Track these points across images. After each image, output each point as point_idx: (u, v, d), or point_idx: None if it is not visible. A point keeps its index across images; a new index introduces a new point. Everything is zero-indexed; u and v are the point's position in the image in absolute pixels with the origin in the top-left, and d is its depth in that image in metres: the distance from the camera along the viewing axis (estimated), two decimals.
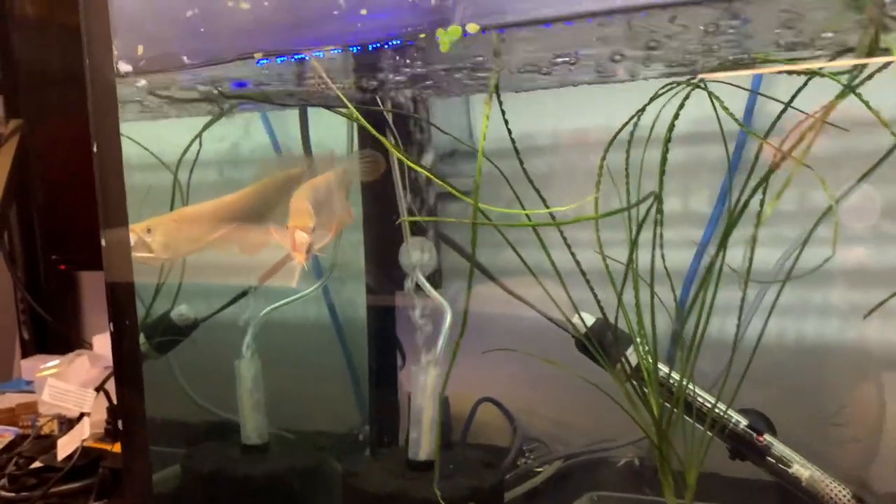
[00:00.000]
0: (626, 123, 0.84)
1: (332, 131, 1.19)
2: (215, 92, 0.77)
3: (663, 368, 0.88)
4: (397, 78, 0.85)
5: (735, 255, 0.81)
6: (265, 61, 0.83)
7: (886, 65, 0.69)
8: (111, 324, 0.70)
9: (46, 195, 1.66)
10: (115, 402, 1.16)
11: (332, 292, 1.31)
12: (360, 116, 0.64)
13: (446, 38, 0.57)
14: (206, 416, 1.17)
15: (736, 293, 0.89)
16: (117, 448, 1.11)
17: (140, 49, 0.67)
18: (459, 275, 1.18)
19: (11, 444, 1.29)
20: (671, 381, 0.88)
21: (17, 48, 1.64)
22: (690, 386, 0.87)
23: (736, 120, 0.78)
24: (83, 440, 1.11)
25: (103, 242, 0.69)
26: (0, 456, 1.23)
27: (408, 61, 0.81)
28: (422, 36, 0.63)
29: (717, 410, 0.87)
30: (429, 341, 0.91)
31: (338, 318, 1.32)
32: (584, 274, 0.85)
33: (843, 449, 1.10)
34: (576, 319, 0.90)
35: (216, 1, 0.66)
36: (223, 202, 0.83)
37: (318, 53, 0.81)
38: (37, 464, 1.12)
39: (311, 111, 1.18)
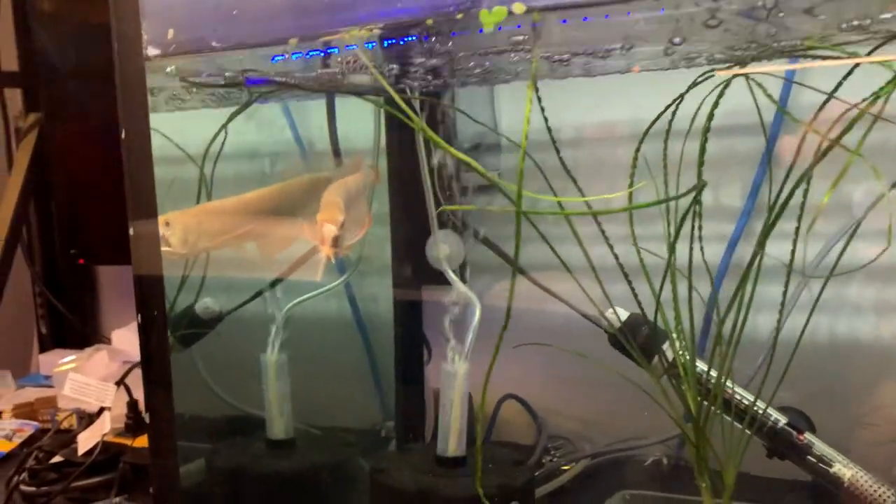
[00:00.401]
0: (665, 111, 0.81)
1: (358, 123, 1.17)
2: (240, 79, 0.75)
3: (701, 364, 0.85)
4: (431, 62, 0.83)
5: (770, 249, 0.78)
6: (298, 55, 0.82)
7: None
8: (139, 316, 0.68)
9: (65, 190, 1.65)
10: (135, 397, 1.15)
11: (353, 287, 1.29)
12: (399, 99, 0.62)
13: (490, 19, 0.55)
14: (231, 410, 1.16)
15: (768, 289, 0.87)
16: (138, 443, 1.10)
17: (171, 33, 0.65)
18: (486, 269, 1.16)
19: (31, 438, 1.28)
20: (707, 377, 0.86)
21: (36, 42, 1.63)
22: (728, 383, 0.85)
23: (781, 109, 0.76)
24: (103, 435, 1.10)
25: (131, 232, 0.67)
26: (20, 450, 1.23)
27: (439, 47, 0.79)
28: (458, 16, 0.61)
29: (755, 408, 0.84)
30: (458, 336, 0.89)
31: (360, 312, 1.30)
32: (622, 267, 0.83)
33: (878, 450, 1.07)
34: (609, 314, 0.88)
35: None
36: (246, 199, 0.81)
37: (351, 46, 0.80)
38: (57, 458, 1.11)
39: (335, 103, 1.16)
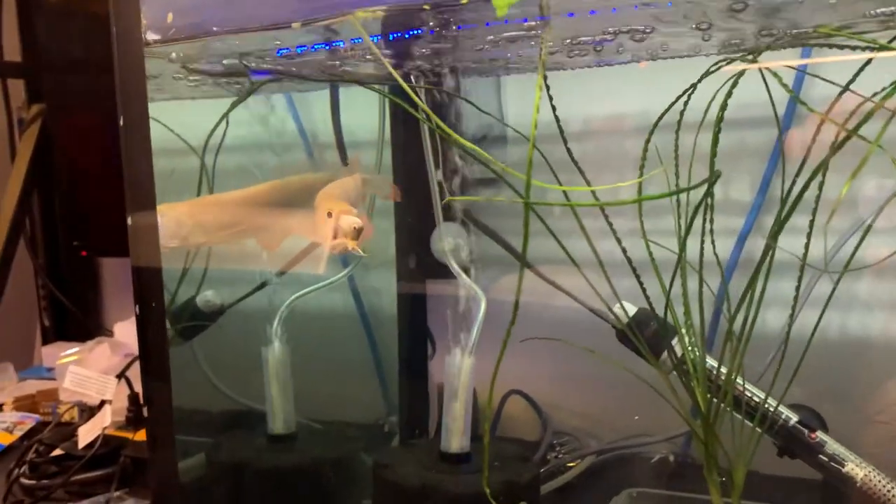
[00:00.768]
0: (677, 100, 0.79)
1: (362, 114, 1.16)
2: (245, 66, 0.73)
3: (711, 361, 0.84)
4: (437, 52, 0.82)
5: (782, 244, 0.77)
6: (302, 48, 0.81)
7: None
8: (137, 308, 0.67)
9: (68, 181, 1.64)
10: (136, 390, 1.14)
11: (358, 280, 1.28)
12: (407, 87, 0.60)
13: (503, 1, 0.53)
14: (233, 405, 1.15)
15: (779, 284, 0.85)
16: (139, 436, 1.09)
17: (170, 17, 0.64)
18: (491, 262, 1.14)
19: (32, 431, 1.27)
20: (716, 374, 0.84)
21: (40, 33, 1.62)
22: (738, 380, 0.83)
23: (797, 99, 0.73)
24: (104, 428, 1.09)
25: (129, 222, 0.66)
26: (21, 443, 1.22)
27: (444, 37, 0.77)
28: (464, 1, 0.59)
29: (766, 406, 0.83)
30: (462, 331, 0.88)
31: (363, 306, 1.29)
32: (630, 262, 0.81)
33: (890, 447, 1.06)
34: (617, 309, 0.86)
35: None
36: (242, 195, 0.79)
37: (356, 40, 0.78)
38: (57, 451, 1.10)
39: (340, 94, 1.15)
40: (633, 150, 0.81)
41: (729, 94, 0.76)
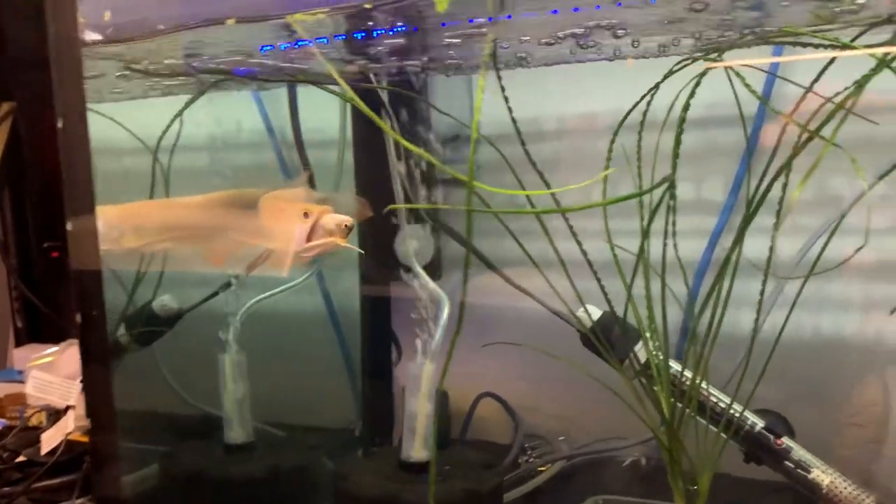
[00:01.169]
0: (639, 102, 0.78)
1: (327, 113, 1.14)
2: (192, 67, 0.71)
3: (674, 365, 0.82)
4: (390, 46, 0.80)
5: (751, 246, 0.75)
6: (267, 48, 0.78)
7: None
8: (78, 315, 0.65)
9: (39, 181, 1.61)
10: None
11: (327, 282, 1.26)
12: (347, 86, 0.58)
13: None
14: (196, 411, 1.12)
15: (750, 285, 0.83)
16: None
17: (107, 15, 0.62)
18: (461, 265, 1.12)
19: None
20: (682, 378, 0.82)
21: (8, 31, 1.59)
22: (703, 384, 0.81)
23: (759, 97, 0.72)
24: (67, 434, 1.07)
25: (69, 226, 0.64)
26: None
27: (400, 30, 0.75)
28: None
29: (731, 411, 0.81)
30: (425, 334, 0.86)
31: (334, 308, 1.27)
32: (590, 264, 0.79)
33: (863, 450, 1.05)
34: (581, 313, 0.84)
35: None
36: (184, 201, 0.77)
37: (320, 39, 0.76)
38: (22, 457, 1.08)
39: (304, 91, 1.12)
40: (606, 149, 0.79)
41: (692, 94, 0.74)
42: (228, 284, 0.97)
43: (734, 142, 1.07)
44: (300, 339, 1.30)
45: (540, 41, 0.76)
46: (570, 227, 0.79)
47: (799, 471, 0.80)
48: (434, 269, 1.12)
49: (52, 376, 1.16)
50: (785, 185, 0.75)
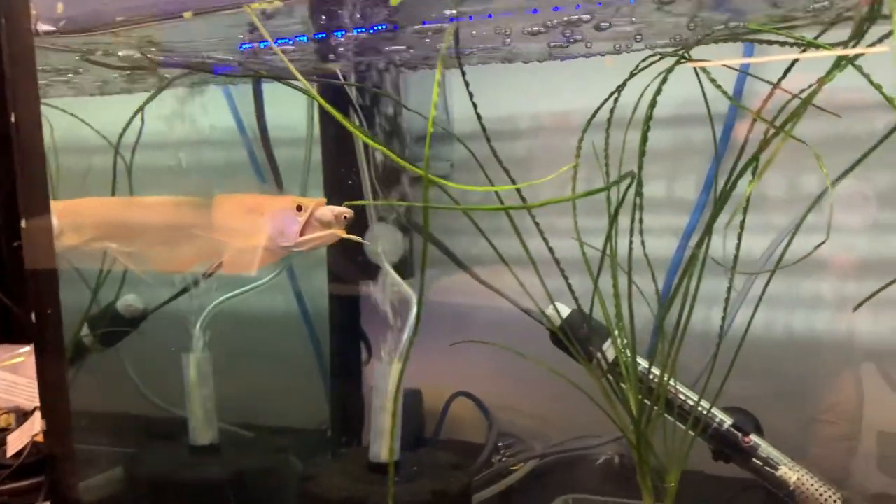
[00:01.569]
0: (606, 101, 0.78)
1: (298, 111, 1.12)
2: (149, 59, 0.69)
3: (642, 363, 0.82)
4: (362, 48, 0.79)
5: (729, 244, 0.75)
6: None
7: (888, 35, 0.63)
8: (33, 314, 0.63)
9: (7, 180, 1.58)
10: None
11: (300, 281, 1.24)
12: (305, 82, 0.57)
13: None
14: (161, 413, 1.10)
15: (723, 283, 0.83)
16: None
17: (60, 7, 0.60)
18: (434, 264, 1.12)
19: None
20: (651, 376, 0.82)
21: None
22: (672, 382, 0.81)
23: (724, 93, 0.72)
24: (33, 436, 1.05)
25: (23, 224, 0.62)
26: None
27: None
28: None
29: (700, 409, 0.81)
30: (394, 334, 0.85)
31: (306, 308, 1.25)
32: (557, 262, 0.79)
33: (834, 447, 1.05)
34: (550, 311, 0.84)
35: None
36: (128, 202, 0.75)
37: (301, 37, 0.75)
38: None
39: (276, 88, 1.11)
40: (583, 146, 0.79)
41: (658, 91, 0.74)
42: (195, 283, 0.95)
43: (708, 139, 1.08)
44: (274, 339, 1.28)
45: (514, 38, 0.75)
46: (537, 225, 0.78)
47: (766, 468, 0.80)
48: (406, 267, 1.11)
49: (20, 377, 1.14)
50: (751, 182, 0.75)
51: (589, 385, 0.81)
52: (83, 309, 0.98)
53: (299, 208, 0.66)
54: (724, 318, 0.78)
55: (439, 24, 0.76)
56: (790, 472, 0.79)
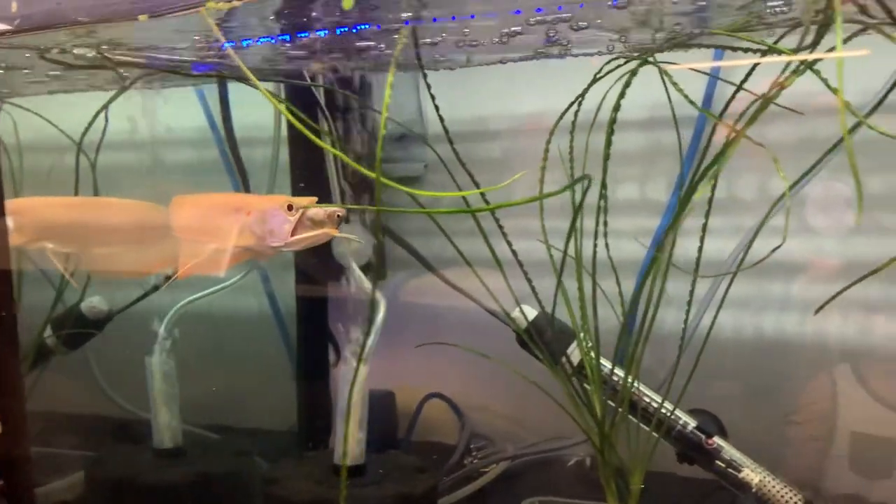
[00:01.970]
0: (570, 106, 0.78)
1: (267, 111, 1.11)
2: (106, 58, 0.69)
3: (606, 364, 0.82)
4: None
5: (694, 246, 0.76)
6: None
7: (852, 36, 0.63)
8: None
9: None
10: None
11: (273, 282, 1.24)
12: (259, 84, 0.57)
13: None
14: (127, 415, 1.09)
15: (697, 285, 0.84)
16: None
17: (14, 6, 0.59)
18: (407, 265, 1.11)
19: None
20: (615, 378, 0.82)
21: None
22: (636, 384, 0.81)
23: (685, 97, 0.72)
24: None
25: None
26: None
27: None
28: None
29: (663, 411, 0.81)
30: (358, 336, 0.84)
31: (279, 309, 1.24)
32: (521, 265, 0.79)
33: (802, 448, 1.06)
34: (516, 313, 0.84)
35: None
36: (88, 203, 0.74)
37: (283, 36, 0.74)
38: None
39: (247, 87, 1.10)
40: (555, 148, 0.79)
41: (622, 94, 0.74)
42: (155, 288, 0.94)
43: (675, 143, 1.08)
44: (247, 341, 1.27)
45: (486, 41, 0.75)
46: (501, 228, 0.79)
47: (729, 470, 0.80)
48: (378, 270, 1.11)
49: None
50: (713, 187, 0.75)
51: (558, 387, 0.82)
52: (47, 310, 0.97)
53: (290, 207, 0.65)
54: (686, 321, 0.78)
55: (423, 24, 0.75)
56: (752, 474, 0.79)
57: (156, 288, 0.95)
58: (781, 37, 0.69)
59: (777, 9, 0.67)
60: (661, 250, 0.74)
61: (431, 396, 1.21)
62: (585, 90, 0.77)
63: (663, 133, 1.09)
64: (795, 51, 0.60)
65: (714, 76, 0.96)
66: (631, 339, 0.78)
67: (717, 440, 0.82)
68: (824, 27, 0.61)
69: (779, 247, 0.66)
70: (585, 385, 0.81)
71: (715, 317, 0.78)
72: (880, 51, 0.57)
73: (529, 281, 0.78)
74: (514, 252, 0.78)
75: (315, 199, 0.67)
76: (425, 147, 1.20)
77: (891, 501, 0.95)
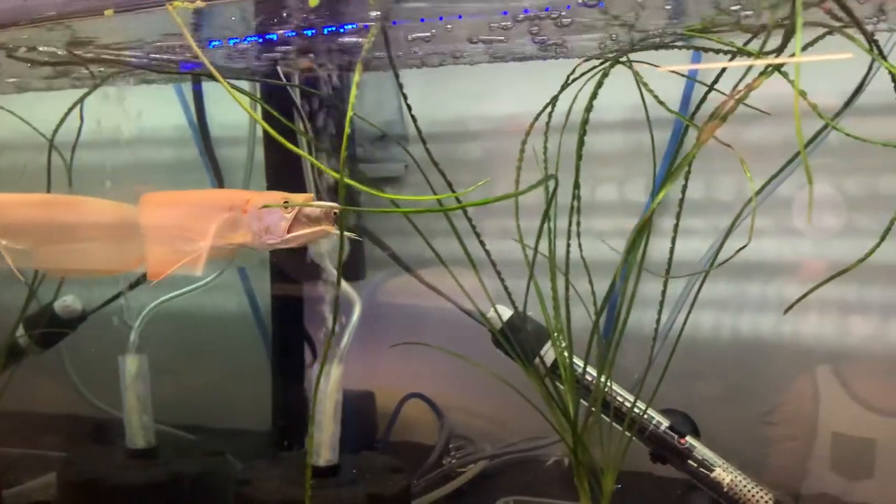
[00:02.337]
0: (545, 108, 0.78)
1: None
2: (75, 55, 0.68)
3: (578, 363, 0.82)
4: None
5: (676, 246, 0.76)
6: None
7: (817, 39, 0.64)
8: None
9: None
10: None
11: (252, 281, 1.23)
12: (229, 87, 0.56)
13: None
14: (102, 415, 1.08)
15: (676, 286, 0.84)
16: None
17: None
18: (387, 265, 1.11)
19: None
20: (590, 378, 0.83)
21: None
22: (609, 384, 0.81)
23: (656, 98, 0.72)
24: None
25: None
26: None
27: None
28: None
29: (636, 411, 0.82)
30: (336, 336, 0.84)
31: (258, 307, 1.24)
32: (494, 265, 0.79)
33: (779, 447, 1.07)
34: (491, 313, 0.84)
35: None
36: (59, 201, 0.73)
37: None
38: None
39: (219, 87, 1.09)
40: (533, 149, 0.78)
41: (594, 96, 0.74)
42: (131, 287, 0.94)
43: (660, 143, 1.08)
44: (226, 339, 1.27)
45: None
46: (474, 228, 0.79)
47: (701, 469, 0.81)
48: (356, 270, 1.11)
49: None
50: (684, 187, 0.76)
51: (534, 387, 0.82)
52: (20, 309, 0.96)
53: (286, 204, 0.65)
54: (658, 321, 0.78)
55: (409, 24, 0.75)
56: (724, 474, 0.80)
57: (132, 286, 0.94)
58: (750, 39, 0.70)
59: (745, 13, 0.68)
60: (634, 250, 0.74)
61: (411, 396, 1.21)
62: (559, 92, 0.77)
63: (644, 134, 1.10)
64: (760, 53, 0.60)
65: (691, 78, 0.97)
66: (603, 339, 0.79)
67: (690, 440, 0.82)
68: (790, 32, 0.61)
69: (744, 247, 0.66)
70: (558, 384, 0.81)
71: (686, 317, 0.79)
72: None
73: (502, 281, 0.78)
74: (487, 252, 0.78)
75: (312, 195, 0.66)
76: (406, 147, 1.20)
77: (872, 501, 0.95)
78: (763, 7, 0.59)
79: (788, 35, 0.63)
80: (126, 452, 0.88)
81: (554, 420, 0.79)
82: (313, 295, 0.91)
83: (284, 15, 0.65)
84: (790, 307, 0.73)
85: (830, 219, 1.01)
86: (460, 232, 0.80)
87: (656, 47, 0.74)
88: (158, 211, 0.71)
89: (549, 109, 0.78)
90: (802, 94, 0.65)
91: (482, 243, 0.78)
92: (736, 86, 0.61)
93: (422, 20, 0.74)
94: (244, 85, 1.02)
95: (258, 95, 0.95)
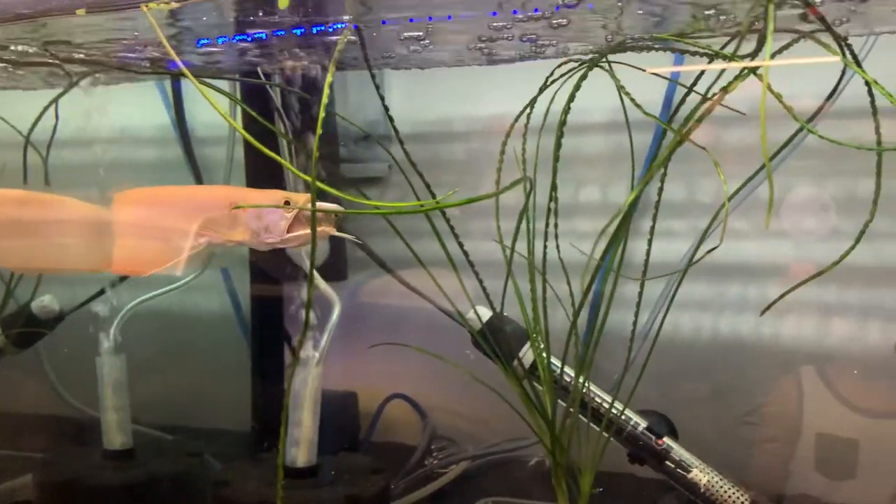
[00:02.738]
0: (524, 110, 0.78)
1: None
2: (51, 55, 0.68)
3: (556, 363, 0.82)
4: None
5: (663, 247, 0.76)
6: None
7: (791, 43, 0.65)
8: None
9: None
10: None
11: (234, 280, 1.23)
12: (201, 87, 0.56)
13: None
14: (80, 416, 1.08)
15: (659, 286, 0.84)
16: None
17: None
18: (370, 266, 1.11)
19: None
20: (569, 380, 0.83)
21: None
22: (587, 385, 0.82)
23: (633, 100, 0.72)
24: None
25: None
26: None
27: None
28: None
29: (614, 412, 0.82)
30: (314, 336, 0.84)
31: (240, 307, 1.24)
32: (472, 265, 0.79)
33: (759, 448, 1.07)
34: (470, 314, 0.84)
35: None
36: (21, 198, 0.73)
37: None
38: None
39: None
40: (517, 150, 0.78)
41: (571, 97, 0.74)
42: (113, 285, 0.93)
43: (641, 146, 1.09)
44: (207, 339, 1.26)
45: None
46: (452, 228, 0.79)
47: (679, 471, 0.81)
48: (338, 270, 1.10)
49: None
50: (660, 190, 0.76)
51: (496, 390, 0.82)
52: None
53: (287, 203, 0.64)
54: (634, 322, 0.79)
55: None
56: (701, 474, 0.80)
57: (113, 285, 0.94)
58: (727, 43, 0.70)
59: (722, 17, 0.68)
60: (613, 252, 0.75)
61: (394, 397, 1.21)
62: (538, 94, 0.77)
63: (627, 136, 1.11)
64: (734, 57, 0.61)
65: (672, 80, 0.97)
66: (581, 339, 0.79)
67: (667, 441, 0.82)
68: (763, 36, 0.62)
69: (714, 248, 0.67)
70: (536, 385, 0.81)
71: (664, 318, 0.79)
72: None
73: (480, 281, 0.79)
74: (465, 253, 0.78)
75: (310, 196, 0.66)
76: (389, 148, 1.20)
77: (854, 502, 0.96)
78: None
79: (762, 41, 0.64)
80: (103, 453, 0.88)
81: (532, 421, 0.80)
82: (293, 295, 0.90)
83: (264, 13, 0.65)
84: (767, 308, 0.74)
85: (811, 221, 1.02)
86: (443, 233, 0.80)
87: (637, 49, 0.74)
88: (133, 209, 0.70)
89: (528, 111, 0.79)
90: (778, 96, 0.66)
91: (460, 244, 0.79)
92: (709, 88, 0.62)
93: (411, 20, 0.74)
94: (225, 85, 1.02)
95: (237, 96, 0.95)
